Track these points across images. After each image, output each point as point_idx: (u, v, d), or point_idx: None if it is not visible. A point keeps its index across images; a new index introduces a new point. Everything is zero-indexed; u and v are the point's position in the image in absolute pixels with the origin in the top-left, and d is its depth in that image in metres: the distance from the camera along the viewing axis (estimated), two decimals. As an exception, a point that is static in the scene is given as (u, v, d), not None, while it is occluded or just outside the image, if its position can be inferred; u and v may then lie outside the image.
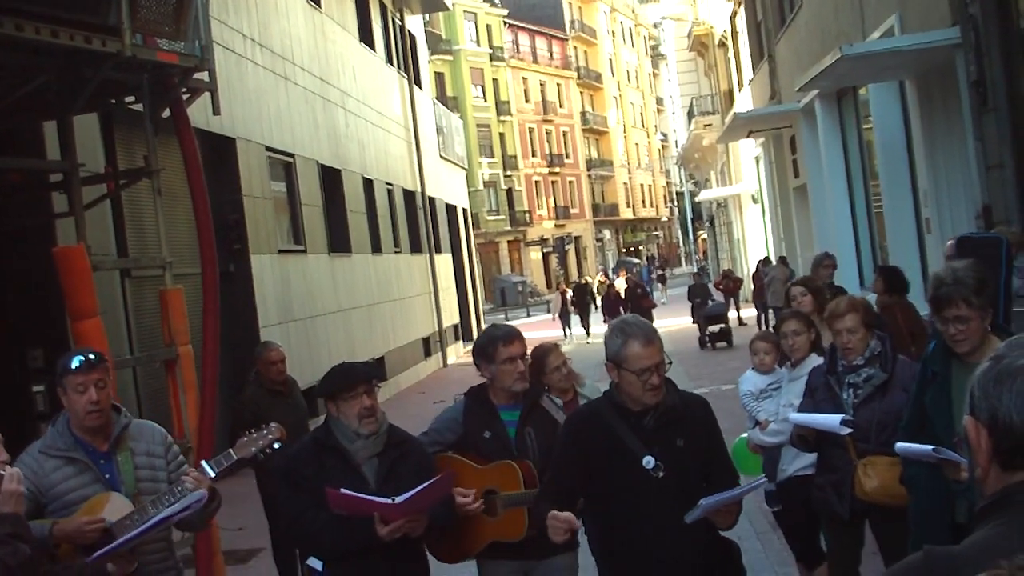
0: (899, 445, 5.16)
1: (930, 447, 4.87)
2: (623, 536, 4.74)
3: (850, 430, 5.92)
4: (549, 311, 37.27)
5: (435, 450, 5.66)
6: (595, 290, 39.13)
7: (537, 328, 35.66)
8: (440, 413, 5.98)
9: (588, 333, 35.28)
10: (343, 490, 4.88)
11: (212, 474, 5.12)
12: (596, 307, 39.85)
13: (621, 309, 28.49)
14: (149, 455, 5.24)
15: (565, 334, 34.98)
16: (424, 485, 4.92)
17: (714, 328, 27.58)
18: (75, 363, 5.03)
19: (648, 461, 4.59)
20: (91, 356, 5.11)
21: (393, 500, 4.87)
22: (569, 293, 38.20)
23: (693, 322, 29.08)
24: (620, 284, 32.02)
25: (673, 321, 33.39)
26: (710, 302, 29.03)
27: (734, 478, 4.81)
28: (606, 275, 43.73)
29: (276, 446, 5.38)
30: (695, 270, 43.82)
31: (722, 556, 4.84)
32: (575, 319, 36.65)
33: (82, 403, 5.00)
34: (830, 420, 5.96)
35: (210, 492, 5.04)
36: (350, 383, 5.14)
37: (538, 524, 5.28)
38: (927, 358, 5.26)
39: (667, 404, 4.68)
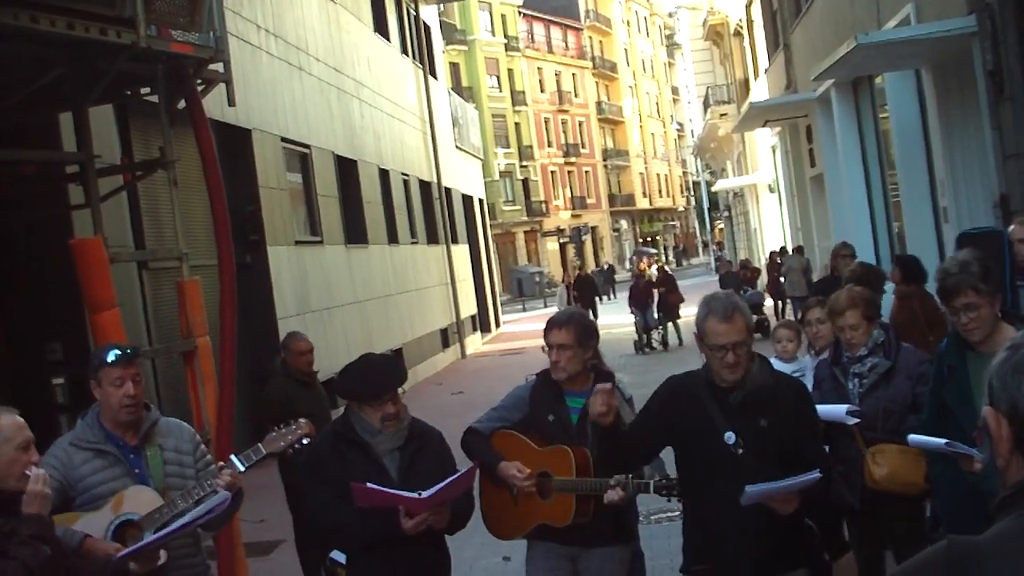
0: (911, 438, 5.17)
1: (943, 440, 4.88)
2: (701, 507, 4.85)
3: (857, 420, 5.93)
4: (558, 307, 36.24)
5: (501, 426, 5.78)
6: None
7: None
8: (511, 391, 6.04)
9: None
10: (369, 484, 4.89)
11: (241, 469, 5.11)
12: (602, 300, 38.61)
13: (649, 300, 27.75)
14: (177, 451, 5.26)
15: None
16: (450, 479, 4.95)
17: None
18: (112, 356, 5.05)
19: (729, 436, 4.66)
20: (128, 350, 5.14)
21: (419, 494, 4.89)
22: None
23: None
24: (653, 273, 31.20)
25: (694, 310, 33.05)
26: (743, 292, 28.53)
27: (819, 466, 4.72)
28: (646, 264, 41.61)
29: (305, 442, 5.33)
30: (713, 260, 43.14)
31: (796, 539, 4.85)
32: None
33: (118, 397, 5.02)
34: (836, 411, 5.97)
35: (237, 486, 5.06)
36: (377, 392, 5.11)
37: (584, 515, 5.45)
38: (942, 354, 5.26)
39: (756, 383, 4.73)
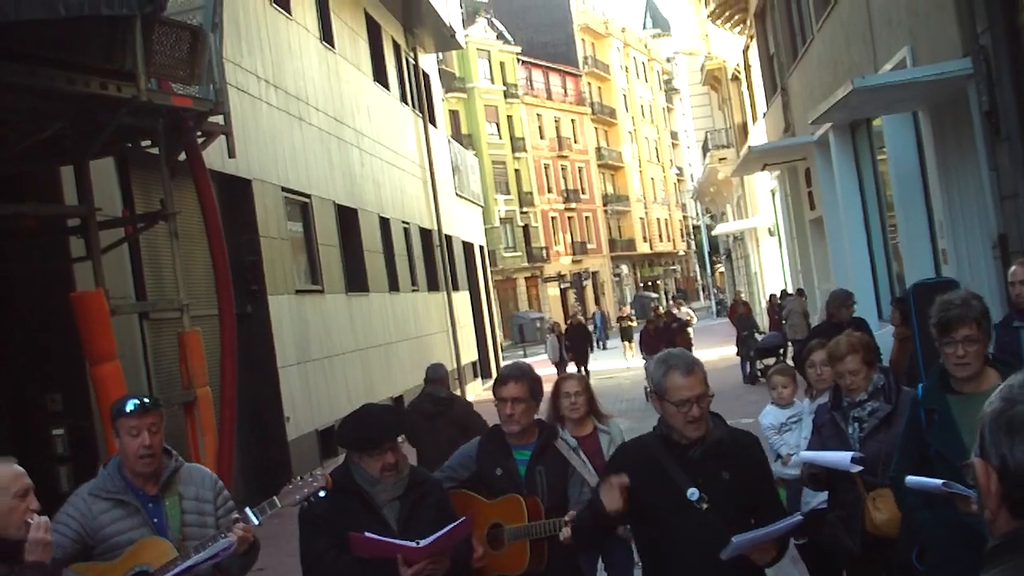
0: (909, 479, 5.14)
1: (940, 481, 4.85)
2: (667, 566, 4.76)
3: (861, 468, 5.91)
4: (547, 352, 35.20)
5: (450, 486, 5.76)
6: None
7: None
8: (458, 450, 6.10)
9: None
10: (367, 533, 4.88)
11: (256, 522, 5.07)
12: (593, 349, 37.41)
13: (662, 346, 27.13)
14: (198, 500, 5.23)
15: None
16: (448, 528, 4.93)
17: (768, 360, 25.35)
18: (130, 407, 5.06)
19: (692, 493, 4.61)
20: (146, 400, 5.13)
21: (418, 543, 4.87)
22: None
23: (737, 354, 28.22)
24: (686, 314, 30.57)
25: (711, 352, 32.77)
26: (758, 335, 28.15)
27: (781, 513, 4.78)
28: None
29: (322, 495, 5.18)
30: (714, 303, 43.04)
31: None
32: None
33: (134, 447, 5.02)
34: (840, 457, 5.94)
35: (250, 540, 5.03)
36: (375, 441, 5.11)
37: (539, 561, 5.45)
38: (920, 400, 5.25)
39: (714, 437, 4.71)
